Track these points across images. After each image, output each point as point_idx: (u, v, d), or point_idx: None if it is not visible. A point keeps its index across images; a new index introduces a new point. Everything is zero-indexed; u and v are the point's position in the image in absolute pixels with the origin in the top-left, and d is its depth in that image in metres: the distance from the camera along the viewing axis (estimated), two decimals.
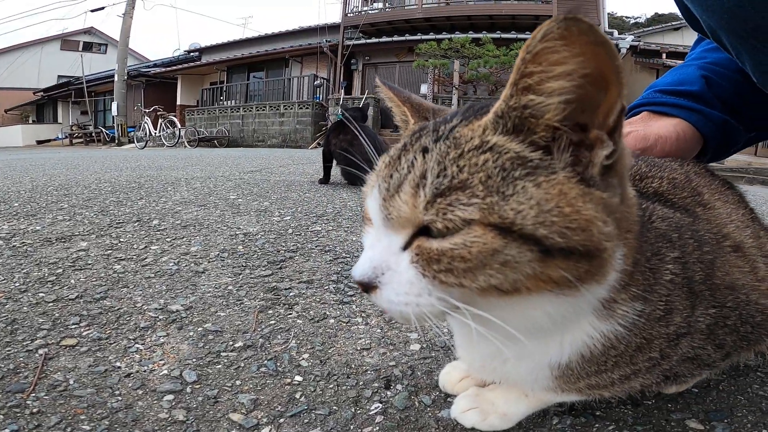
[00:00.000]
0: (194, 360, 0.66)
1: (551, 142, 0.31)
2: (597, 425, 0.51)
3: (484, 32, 10.32)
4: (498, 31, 10.63)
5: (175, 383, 0.60)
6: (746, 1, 0.49)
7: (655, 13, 24.44)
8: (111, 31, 20.31)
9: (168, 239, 1.31)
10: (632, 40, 10.54)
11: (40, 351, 0.67)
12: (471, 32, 10.48)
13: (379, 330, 0.78)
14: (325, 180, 2.74)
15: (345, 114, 2.89)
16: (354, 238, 1.38)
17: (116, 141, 13.13)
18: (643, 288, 0.38)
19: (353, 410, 0.55)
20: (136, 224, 1.48)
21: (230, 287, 0.96)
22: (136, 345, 0.70)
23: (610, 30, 11.29)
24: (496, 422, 0.50)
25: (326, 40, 11.91)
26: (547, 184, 0.30)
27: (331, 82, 12.43)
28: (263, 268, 1.09)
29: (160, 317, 0.80)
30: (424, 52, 9.58)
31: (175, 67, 15.35)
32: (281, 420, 0.53)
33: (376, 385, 0.61)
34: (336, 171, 2.76)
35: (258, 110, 12.47)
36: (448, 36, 10.07)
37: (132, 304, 0.85)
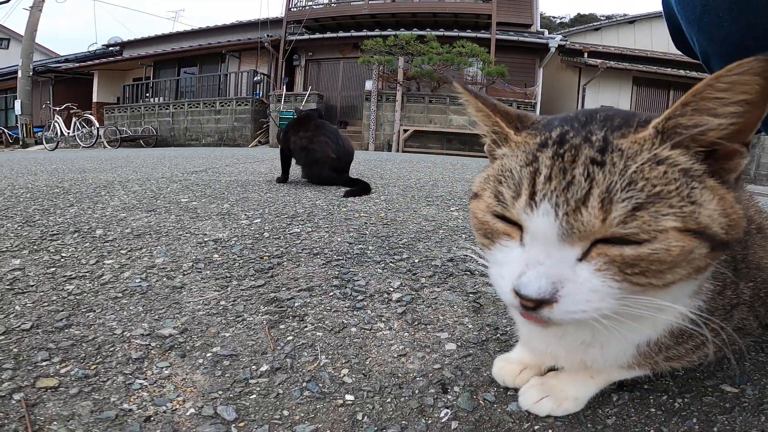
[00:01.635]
0: (220, 392, 0.58)
1: (703, 157, 0.35)
2: (651, 397, 0.56)
3: (428, 30, 10.63)
4: (441, 29, 10.98)
5: (214, 424, 0.52)
6: (750, 35, 0.55)
7: (578, 14, 26.52)
8: (17, 26, 17.24)
9: (123, 251, 1.13)
10: (560, 40, 11.47)
11: (16, 396, 0.54)
12: (415, 29, 10.68)
13: (406, 334, 0.76)
14: (284, 179, 2.58)
15: (297, 113, 2.75)
16: (339, 239, 1.33)
17: (20, 142, 11.46)
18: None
19: (425, 421, 0.53)
20: (75, 235, 1.26)
21: (222, 302, 0.86)
22: (138, 380, 0.60)
23: (542, 29, 12.13)
24: (570, 406, 0.52)
25: (267, 35, 11.40)
26: (712, 191, 0.34)
27: (272, 79, 11.94)
28: (252, 278, 0.99)
29: (153, 344, 0.69)
30: (369, 48, 9.58)
31: (90, 63, 13.70)
32: None
33: (433, 390, 0.59)
34: (296, 170, 2.63)
35: (190, 107, 11.71)
36: (394, 33, 10.24)
37: (109, 332, 0.73)
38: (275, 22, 11.84)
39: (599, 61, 11.36)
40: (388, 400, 0.57)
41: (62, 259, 1.06)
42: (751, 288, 0.48)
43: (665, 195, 0.32)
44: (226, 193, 2.08)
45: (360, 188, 2.26)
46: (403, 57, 10.21)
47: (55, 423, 0.51)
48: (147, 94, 12.98)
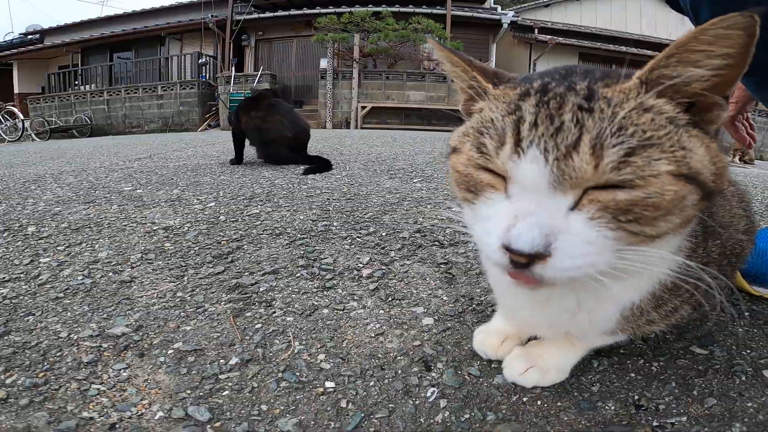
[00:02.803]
0: (188, 392, 0.53)
1: (689, 104, 0.34)
2: (629, 362, 0.57)
3: (384, 5, 10.33)
4: (397, 5, 10.72)
5: (187, 426, 0.47)
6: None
7: None
8: None
9: (60, 248, 1.01)
10: (512, 16, 11.55)
11: None
12: (371, 5, 10.39)
13: (381, 311, 0.73)
14: (238, 160, 2.45)
15: (253, 93, 2.60)
16: (302, 217, 1.26)
17: None
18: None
19: (412, 402, 0.51)
20: (5, 235, 1.12)
21: (179, 294, 0.79)
22: (93, 386, 0.54)
23: (495, 5, 12.14)
24: (555, 376, 0.52)
25: (212, 15, 10.69)
26: (698, 140, 0.33)
27: (219, 60, 11.28)
28: (210, 265, 0.92)
29: (105, 346, 0.62)
30: (323, 26, 9.22)
31: (8, 53, 12.57)
32: None
33: (416, 369, 0.57)
34: (251, 150, 2.49)
35: (128, 93, 10.98)
36: (348, 9, 9.89)
37: (53, 335, 0.65)
38: (220, 1, 11.09)
39: (548, 37, 11.68)
40: (371, 383, 0.55)
41: None
42: (718, 246, 0.49)
43: (657, 140, 0.31)
44: (175, 179, 1.93)
45: (321, 165, 2.20)
46: (359, 34, 10.00)
47: None
48: (76, 82, 12.05)
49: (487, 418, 0.48)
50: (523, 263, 0.31)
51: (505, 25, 11.29)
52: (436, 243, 1.04)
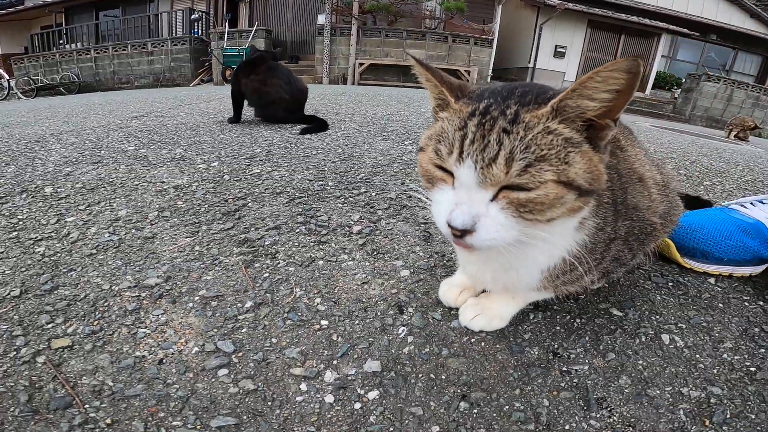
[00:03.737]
0: (215, 330, 0.68)
1: (582, 127, 0.46)
2: (558, 317, 0.72)
3: None
4: None
5: (218, 357, 0.62)
6: None
7: None
8: None
9: (81, 207, 1.13)
10: None
11: (39, 359, 0.60)
12: None
13: (367, 263, 0.88)
14: (236, 119, 2.51)
15: (253, 51, 2.60)
16: (299, 177, 1.38)
17: None
18: (595, 207, 0.55)
19: (387, 337, 0.67)
20: (24, 196, 1.22)
21: (197, 248, 0.93)
22: (140, 330, 0.68)
23: None
24: (498, 323, 0.67)
25: None
26: (584, 155, 0.45)
27: (212, 16, 10.83)
28: (220, 222, 1.05)
29: (143, 295, 0.76)
30: None
31: None
32: (335, 362, 0.62)
33: (392, 312, 0.72)
34: (248, 109, 2.55)
35: (116, 51, 10.99)
36: None
37: (97, 288, 0.78)
38: None
39: (557, 1, 11.24)
40: (356, 322, 0.70)
41: (21, 222, 1.05)
42: (626, 225, 0.61)
43: (548, 156, 0.43)
44: (176, 138, 2.01)
45: (317, 125, 2.29)
46: None
47: (84, 377, 0.58)
48: (60, 42, 12.04)
49: (442, 352, 0.64)
50: (459, 235, 0.45)
51: None
52: (419, 204, 1.17)
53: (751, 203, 1.04)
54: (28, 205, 1.15)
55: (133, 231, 1.00)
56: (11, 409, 0.52)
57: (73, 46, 11.90)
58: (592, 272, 0.61)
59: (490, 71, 11.39)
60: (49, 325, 0.68)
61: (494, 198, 0.45)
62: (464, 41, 10.80)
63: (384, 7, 9.70)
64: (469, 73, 10.68)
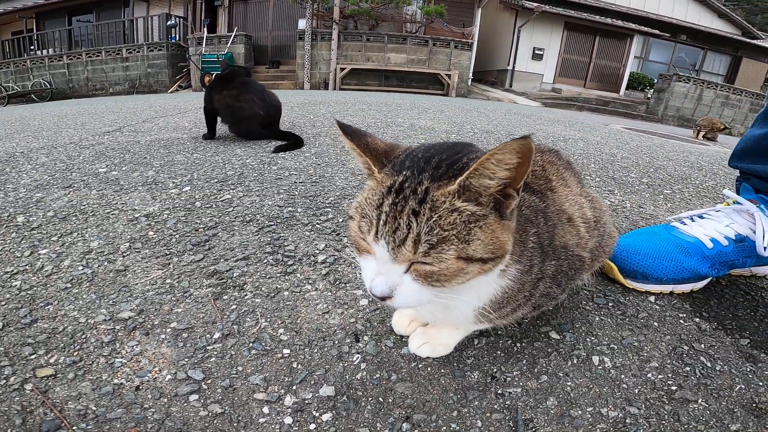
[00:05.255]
0: (186, 360, 0.73)
1: (489, 199, 0.51)
2: (501, 342, 0.79)
3: None
4: None
5: (189, 384, 0.68)
6: None
7: None
8: None
9: (54, 238, 1.16)
10: None
11: (27, 386, 0.66)
12: None
13: (329, 293, 0.94)
14: (211, 136, 2.54)
15: (222, 66, 2.62)
16: (269, 203, 1.43)
17: None
18: (518, 254, 0.60)
19: (342, 365, 0.73)
20: None
21: (168, 280, 0.97)
22: (117, 359, 0.73)
23: None
24: (442, 350, 0.74)
25: None
26: (486, 227, 0.51)
27: (190, 21, 10.80)
28: (190, 253, 1.10)
29: (117, 328, 0.81)
30: None
31: None
32: (294, 387, 0.68)
33: (348, 341, 0.79)
34: (223, 124, 2.58)
35: (89, 57, 10.97)
36: None
37: (74, 321, 0.82)
38: None
39: (535, 4, 11.50)
40: (315, 350, 0.76)
41: None
42: (554, 265, 0.67)
43: (449, 238, 0.48)
44: (149, 157, 2.02)
45: (292, 143, 2.32)
46: None
47: (70, 402, 0.63)
48: (32, 48, 11.95)
49: (391, 377, 0.70)
50: (380, 299, 0.52)
51: None
52: None
53: (691, 218, 1.09)
54: (2, 236, 1.18)
55: (106, 263, 1.04)
56: (8, 431, 0.58)
57: (45, 52, 11.75)
58: (523, 308, 0.67)
59: (471, 74, 11.56)
60: (33, 356, 0.73)
61: (408, 269, 0.51)
62: (445, 45, 10.94)
63: (365, 12, 9.80)
64: (449, 76, 10.82)
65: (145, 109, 4.42)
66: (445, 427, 0.63)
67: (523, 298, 0.65)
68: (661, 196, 1.91)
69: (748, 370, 0.77)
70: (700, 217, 1.09)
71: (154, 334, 0.79)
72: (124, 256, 1.07)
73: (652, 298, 0.98)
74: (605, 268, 1.04)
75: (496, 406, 0.66)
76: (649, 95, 12.34)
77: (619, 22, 12.41)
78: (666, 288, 0.99)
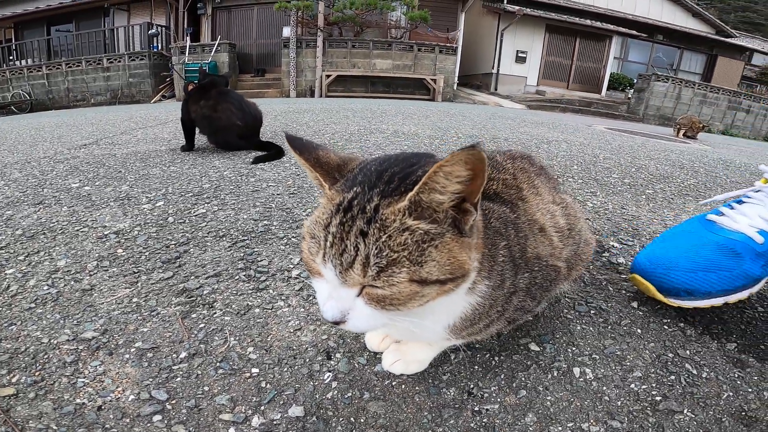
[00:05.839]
0: (150, 380, 0.70)
1: (445, 215, 0.47)
2: (478, 356, 0.77)
3: None
4: None
5: (152, 405, 0.65)
6: None
7: None
8: None
9: (20, 257, 1.12)
10: None
11: None
12: None
13: (302, 309, 0.91)
14: (189, 147, 2.49)
15: (201, 74, 2.58)
16: (245, 216, 1.40)
17: None
18: (488, 270, 0.57)
19: (312, 383, 0.70)
20: None
21: (135, 299, 0.94)
22: (80, 379, 0.70)
23: None
24: (416, 367, 0.71)
25: None
26: (442, 246, 0.46)
27: (172, 30, 10.74)
28: (160, 270, 1.06)
29: (80, 348, 0.78)
30: None
31: None
32: (262, 408, 0.65)
33: (320, 358, 0.76)
34: (202, 135, 2.53)
35: (69, 67, 10.82)
36: None
37: (36, 342, 0.79)
38: None
39: (516, 8, 11.67)
40: (285, 369, 0.73)
41: None
42: (527, 277, 0.64)
43: (400, 260, 0.44)
44: (123, 172, 1.97)
45: (271, 154, 2.27)
46: (324, 2, 9.70)
47: (31, 422, 0.61)
48: (11, 58, 11.84)
49: (364, 396, 0.68)
50: (334, 324, 0.49)
51: None
52: None
53: (729, 205, 0.92)
54: None
55: (72, 283, 1.00)
56: None
57: (24, 62, 11.57)
58: (497, 323, 0.64)
59: (456, 78, 11.65)
60: None
61: (360, 293, 0.48)
62: (429, 50, 11.02)
63: (349, 18, 9.84)
64: (435, 81, 10.89)
65: (124, 120, 4.34)
66: None
67: (496, 314, 0.62)
68: (644, 196, 1.92)
69: (736, 376, 0.75)
70: (738, 202, 0.91)
71: (118, 353, 0.76)
72: (90, 275, 1.03)
73: (635, 304, 0.95)
74: (640, 288, 0.92)
75: (472, 425, 0.64)
76: (629, 95, 12.57)
77: (598, 24, 12.66)
78: (717, 301, 0.84)
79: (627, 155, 3.09)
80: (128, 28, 11.31)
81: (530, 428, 0.64)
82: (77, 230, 1.28)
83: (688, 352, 0.81)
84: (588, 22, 12.50)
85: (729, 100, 11.88)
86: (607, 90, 13.35)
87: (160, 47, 10.75)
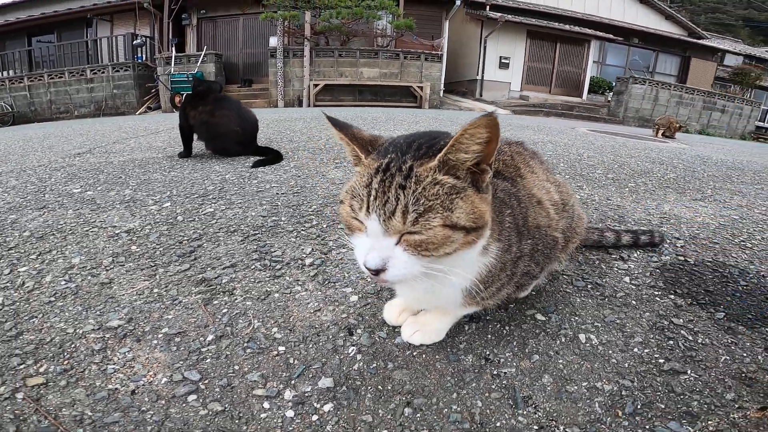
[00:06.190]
0: (181, 362, 0.73)
1: (466, 174, 0.56)
2: (490, 326, 0.83)
3: None
4: None
5: (186, 385, 0.68)
6: None
7: None
8: None
9: (32, 256, 1.13)
10: None
11: (18, 395, 0.64)
12: None
13: (319, 292, 0.95)
14: (187, 154, 2.50)
15: (195, 82, 2.60)
16: (253, 213, 1.43)
17: None
18: (498, 233, 0.65)
19: (338, 357, 0.74)
20: None
21: (156, 290, 0.96)
22: (110, 366, 0.72)
23: None
24: (434, 336, 0.76)
25: None
26: (466, 197, 0.55)
27: (157, 41, 10.65)
28: (176, 263, 1.09)
29: (107, 336, 0.80)
30: (272, 3, 9.01)
31: None
32: (293, 381, 0.69)
33: (342, 334, 0.80)
34: (199, 142, 2.54)
35: (52, 78, 10.58)
36: None
37: (62, 332, 0.81)
38: None
39: (498, 15, 11.95)
40: (310, 345, 0.77)
41: None
42: (530, 244, 0.71)
43: (434, 207, 0.53)
44: (124, 177, 2.00)
45: (271, 157, 2.32)
46: (310, 11, 9.79)
47: (64, 409, 0.63)
48: None
49: (388, 366, 0.72)
50: (374, 273, 0.54)
51: (458, 2, 11.44)
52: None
53: None
54: None
55: (89, 278, 1.02)
56: None
57: (4, 74, 11.39)
58: (507, 287, 0.70)
59: (442, 85, 11.84)
60: (21, 366, 0.71)
61: (399, 242, 0.54)
62: (415, 57, 11.19)
63: (336, 28, 9.94)
64: (422, 88, 11.05)
65: (114, 130, 4.32)
66: (446, 409, 0.65)
67: (506, 277, 0.69)
68: (627, 189, 2.01)
69: (729, 341, 0.81)
70: None
71: (146, 340, 0.79)
72: (107, 270, 1.05)
73: (627, 279, 1.03)
74: None
75: (493, 386, 0.69)
76: (609, 98, 12.93)
77: (577, 28, 13.04)
78: None
79: (609, 154, 3.21)
80: (112, 39, 11.20)
81: (548, 388, 0.69)
82: (87, 230, 1.30)
83: (681, 320, 0.88)
84: (567, 27, 12.88)
85: (704, 100, 12.33)
86: (588, 93, 13.73)
87: (144, 58, 10.68)
